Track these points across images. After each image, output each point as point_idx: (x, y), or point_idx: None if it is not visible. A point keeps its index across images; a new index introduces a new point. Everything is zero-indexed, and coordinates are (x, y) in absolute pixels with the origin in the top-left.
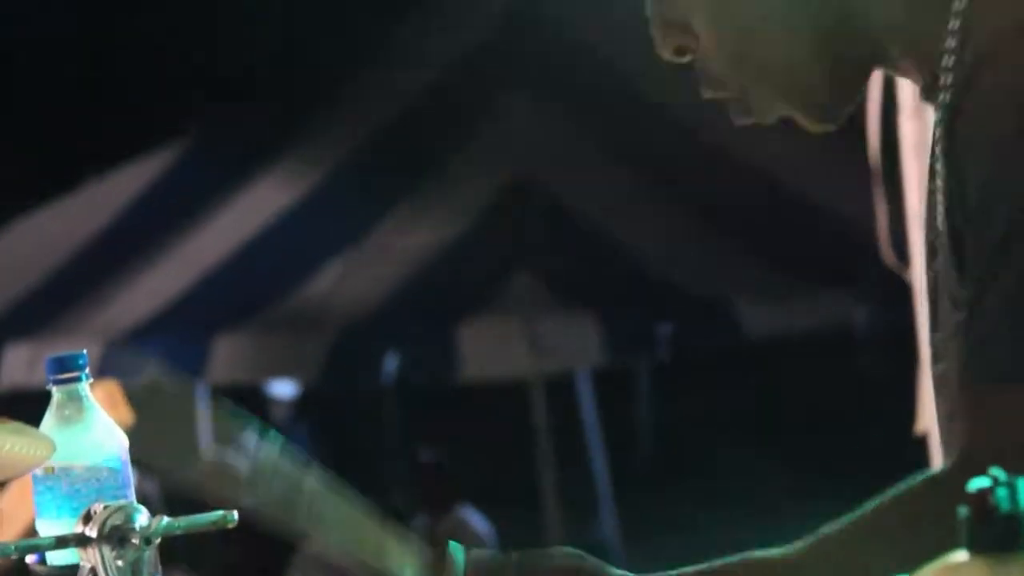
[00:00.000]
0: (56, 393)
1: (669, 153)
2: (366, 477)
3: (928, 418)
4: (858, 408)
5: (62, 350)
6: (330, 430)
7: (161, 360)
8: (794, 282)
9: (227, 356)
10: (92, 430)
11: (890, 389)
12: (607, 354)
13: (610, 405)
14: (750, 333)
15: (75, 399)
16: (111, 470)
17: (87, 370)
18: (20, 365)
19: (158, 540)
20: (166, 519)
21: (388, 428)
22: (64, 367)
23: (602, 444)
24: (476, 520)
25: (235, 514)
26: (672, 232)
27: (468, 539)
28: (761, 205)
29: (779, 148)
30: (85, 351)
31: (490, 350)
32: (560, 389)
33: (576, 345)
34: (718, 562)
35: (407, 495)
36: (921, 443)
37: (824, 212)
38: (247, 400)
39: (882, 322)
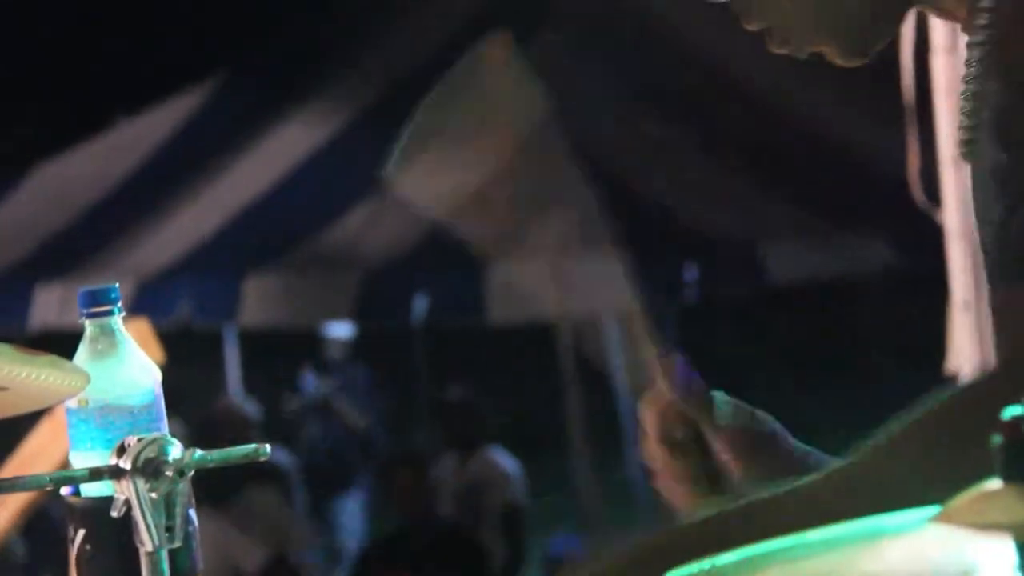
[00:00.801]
0: (89, 327)
1: (697, 95)
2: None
3: (958, 357)
4: (887, 350)
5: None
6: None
7: (191, 301)
8: (823, 225)
9: (257, 297)
10: (125, 364)
11: (920, 331)
12: (634, 297)
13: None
14: (778, 276)
15: (108, 333)
16: (144, 403)
17: (119, 304)
18: (51, 305)
19: (191, 472)
20: (199, 452)
21: (416, 368)
22: (97, 300)
23: (628, 386)
24: (504, 460)
25: (267, 448)
26: (700, 175)
27: (496, 479)
28: (790, 147)
29: (809, 89)
30: (117, 285)
31: (518, 292)
32: (587, 331)
33: (603, 288)
34: (757, 496)
35: (435, 435)
36: (952, 383)
37: (854, 153)
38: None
39: (912, 264)
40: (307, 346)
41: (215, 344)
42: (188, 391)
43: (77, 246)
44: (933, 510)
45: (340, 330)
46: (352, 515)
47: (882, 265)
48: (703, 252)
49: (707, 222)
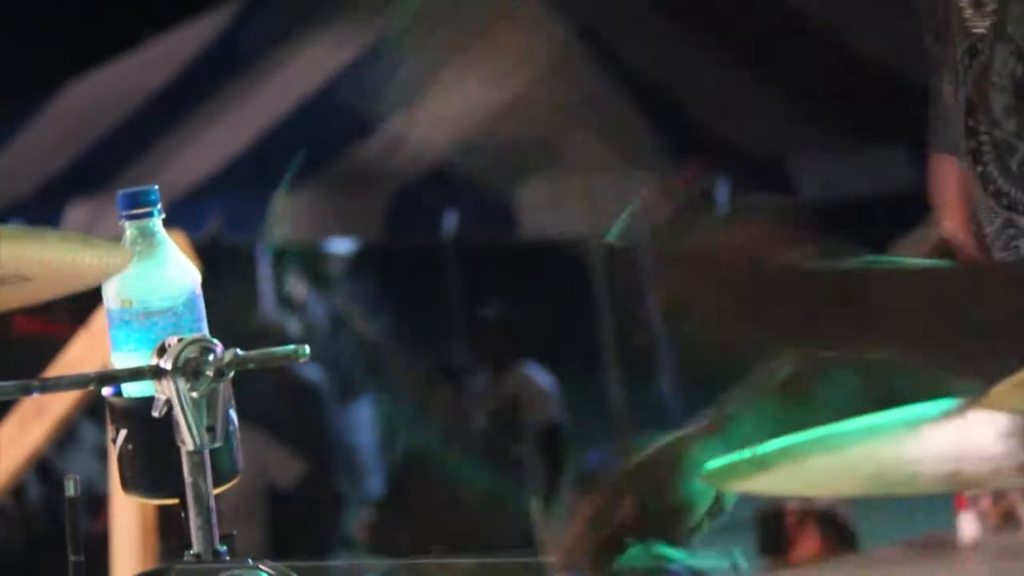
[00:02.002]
0: (129, 228)
1: (725, 8)
2: (428, 334)
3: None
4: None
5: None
6: (392, 287)
7: (221, 217)
8: (853, 139)
9: (289, 214)
10: (165, 265)
11: None
12: (664, 212)
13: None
14: (808, 191)
15: (147, 235)
16: (185, 304)
17: (159, 206)
18: (82, 222)
19: (232, 373)
20: (240, 352)
21: (448, 285)
22: (136, 202)
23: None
24: (539, 376)
25: (306, 348)
26: (728, 88)
27: (532, 395)
28: (821, 60)
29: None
30: (156, 187)
31: (549, 207)
32: (619, 247)
33: (632, 203)
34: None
35: (470, 351)
36: None
37: (884, 65)
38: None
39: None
40: (332, 261)
41: (245, 260)
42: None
43: (107, 163)
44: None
45: (359, 245)
46: (374, 431)
47: (911, 178)
48: (733, 166)
49: (737, 136)
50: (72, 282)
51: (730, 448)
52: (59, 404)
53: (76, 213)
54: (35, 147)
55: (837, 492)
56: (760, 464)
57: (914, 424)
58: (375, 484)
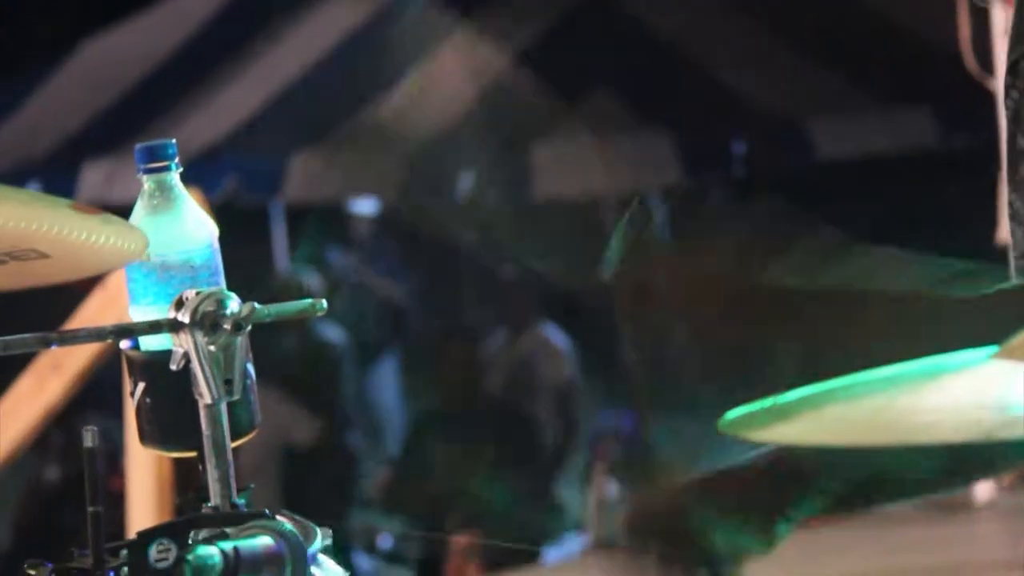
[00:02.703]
0: (146, 182)
1: None
2: (446, 294)
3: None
4: (937, 224)
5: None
6: (408, 248)
7: (237, 177)
8: (872, 98)
9: (303, 174)
10: (182, 219)
11: (970, 204)
12: (680, 173)
13: (683, 223)
14: (826, 150)
15: (165, 188)
16: (203, 258)
17: (176, 160)
18: (98, 182)
19: (249, 327)
20: (257, 306)
21: (464, 246)
22: (154, 156)
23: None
24: (556, 336)
25: (324, 303)
26: (748, 49)
27: (549, 355)
28: (838, 19)
29: None
30: (174, 140)
31: (564, 169)
32: (634, 206)
33: (650, 163)
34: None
35: (487, 312)
36: (1002, 254)
37: (902, 25)
38: (330, 217)
39: (963, 135)
40: (348, 221)
41: (261, 220)
42: (235, 267)
43: (123, 122)
44: (993, 348)
45: (378, 206)
46: (391, 391)
47: (933, 137)
48: (751, 126)
49: (755, 96)
50: (89, 264)
51: None
52: (75, 360)
53: (92, 173)
54: (51, 107)
55: (856, 441)
56: (779, 413)
57: (935, 374)
58: (392, 444)
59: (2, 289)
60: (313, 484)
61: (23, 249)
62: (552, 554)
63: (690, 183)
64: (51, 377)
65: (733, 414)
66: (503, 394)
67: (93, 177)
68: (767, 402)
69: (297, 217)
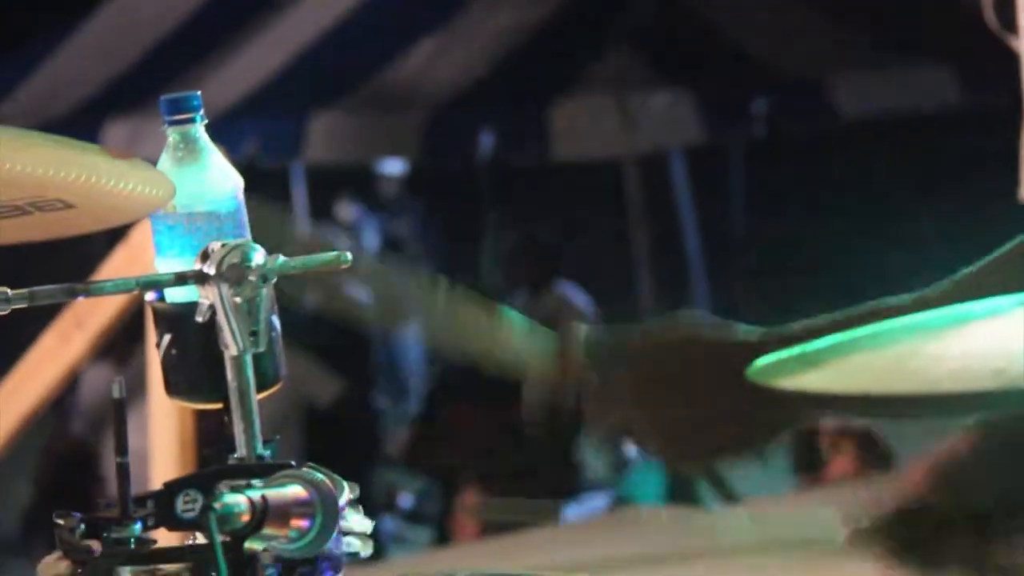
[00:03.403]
0: (171, 134)
1: None
2: (464, 255)
3: None
4: (959, 183)
5: (159, 128)
6: (428, 209)
7: (257, 139)
8: (892, 56)
9: (322, 134)
10: (207, 171)
11: (993, 163)
12: (701, 132)
13: (704, 183)
14: (847, 109)
15: (190, 140)
16: (228, 210)
17: (201, 111)
18: (119, 142)
19: (274, 279)
20: (282, 258)
21: (483, 206)
22: (179, 108)
23: (695, 221)
24: (575, 295)
25: (348, 255)
26: (769, 7)
27: (568, 314)
28: None
29: None
30: (199, 92)
31: (584, 128)
32: (654, 167)
33: (670, 122)
34: (848, 311)
35: (505, 272)
36: None
37: None
38: (353, 178)
39: (985, 94)
40: (370, 183)
41: (281, 181)
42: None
43: (144, 83)
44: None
45: (399, 167)
46: (414, 351)
47: (954, 96)
48: (771, 85)
49: (775, 54)
50: (115, 214)
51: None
52: (98, 316)
53: (114, 133)
54: (72, 67)
55: (884, 388)
56: (807, 361)
57: (962, 321)
58: (414, 404)
59: (26, 241)
60: (335, 443)
61: (48, 199)
62: (572, 513)
63: (711, 142)
64: (74, 334)
65: (762, 362)
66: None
67: (114, 137)
68: (795, 350)
69: (318, 178)
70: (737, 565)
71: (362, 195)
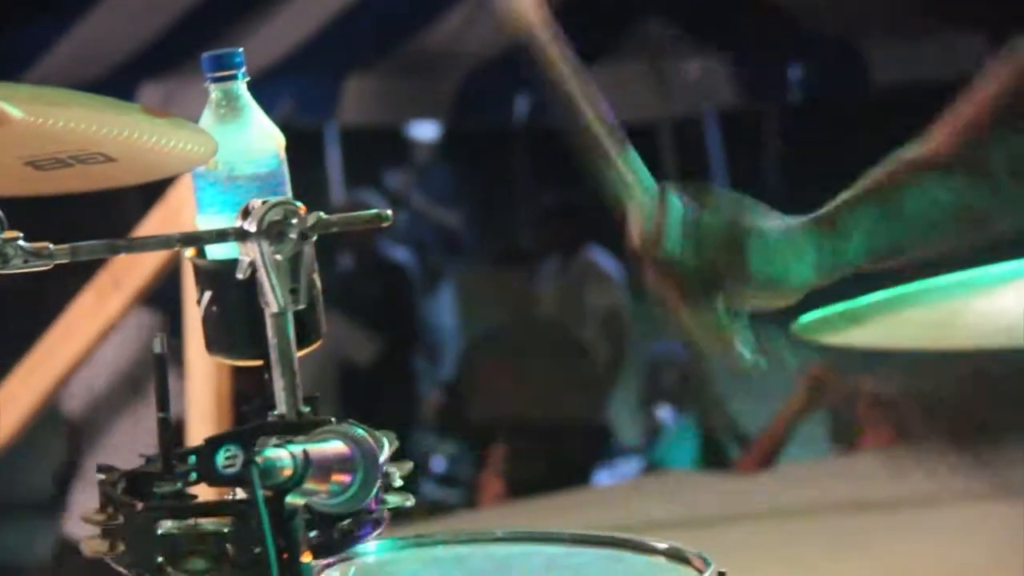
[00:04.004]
0: (213, 91)
1: None
2: (496, 218)
3: None
4: None
5: (195, 90)
6: (462, 172)
7: (292, 100)
8: (930, 24)
9: (358, 96)
10: (249, 128)
11: None
12: (736, 96)
13: (738, 148)
14: (883, 76)
15: (232, 97)
16: (270, 167)
17: (243, 69)
18: (154, 104)
19: (315, 237)
20: (323, 215)
21: (517, 170)
22: (221, 64)
23: (729, 187)
24: (605, 260)
25: (389, 213)
26: None
27: (597, 279)
28: None
29: None
30: (241, 49)
31: (619, 92)
32: (688, 131)
33: (705, 88)
34: (867, 178)
35: (537, 236)
36: None
37: None
38: (386, 141)
39: None
40: (403, 145)
41: (316, 142)
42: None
43: (177, 45)
44: None
45: (433, 130)
46: (447, 314)
47: (987, 62)
48: (807, 50)
49: (812, 19)
50: (156, 168)
51: (825, 250)
52: (136, 276)
53: (148, 96)
54: (105, 29)
55: (930, 344)
56: (853, 317)
57: (1011, 278)
58: (447, 368)
59: (67, 192)
60: (372, 404)
61: (91, 152)
62: (604, 477)
63: (746, 108)
64: (111, 294)
65: (807, 318)
66: (554, 318)
67: (150, 99)
68: (841, 306)
69: (352, 140)
70: (772, 528)
71: (396, 158)
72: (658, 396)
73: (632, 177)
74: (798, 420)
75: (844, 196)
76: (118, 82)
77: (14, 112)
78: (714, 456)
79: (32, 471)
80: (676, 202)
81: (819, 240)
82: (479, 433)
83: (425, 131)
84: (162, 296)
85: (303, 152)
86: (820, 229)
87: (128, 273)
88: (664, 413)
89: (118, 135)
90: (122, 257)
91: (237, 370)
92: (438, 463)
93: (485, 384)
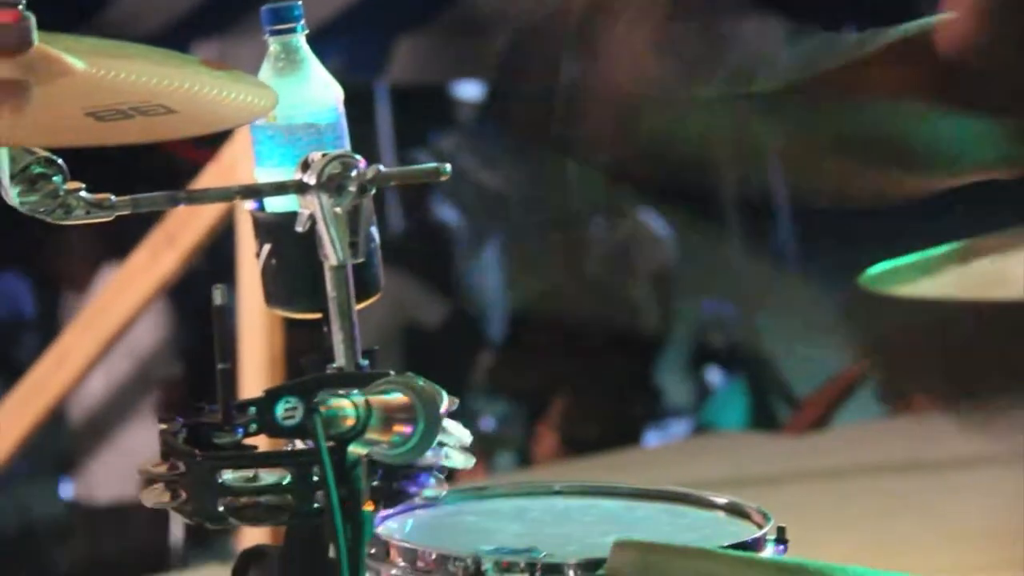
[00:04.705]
0: (272, 44)
1: None
2: (542, 180)
3: None
4: None
5: (246, 49)
6: (511, 132)
7: (342, 61)
8: None
9: (407, 56)
10: (308, 81)
11: None
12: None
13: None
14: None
15: (291, 51)
16: (328, 121)
17: (302, 22)
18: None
19: (374, 190)
20: (382, 168)
21: (563, 130)
22: (280, 17)
23: None
24: (655, 222)
25: (447, 166)
26: None
27: (647, 242)
28: None
29: None
30: (300, 2)
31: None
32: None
33: (758, 48)
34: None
35: (585, 198)
36: None
37: None
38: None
39: None
40: (449, 105)
41: (366, 101)
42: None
43: (230, 3)
44: None
45: (478, 90)
46: (495, 276)
47: None
48: (862, 12)
49: None
50: (216, 120)
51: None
52: (190, 233)
53: (204, 51)
54: None
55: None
56: (924, 268)
57: None
58: (496, 329)
59: (129, 142)
60: (430, 364)
61: (151, 104)
62: (653, 438)
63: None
64: (165, 251)
65: (876, 269)
66: (603, 280)
67: (205, 56)
68: (911, 256)
69: (402, 100)
70: (824, 488)
71: (444, 119)
72: (707, 358)
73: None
74: (860, 382)
75: None
76: (170, 41)
77: (76, 63)
78: (764, 418)
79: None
80: None
81: None
82: (527, 395)
83: (470, 91)
84: None
85: (353, 111)
86: None
87: (182, 229)
88: (713, 374)
89: (179, 87)
90: (176, 214)
91: (290, 327)
92: (487, 423)
93: (534, 346)
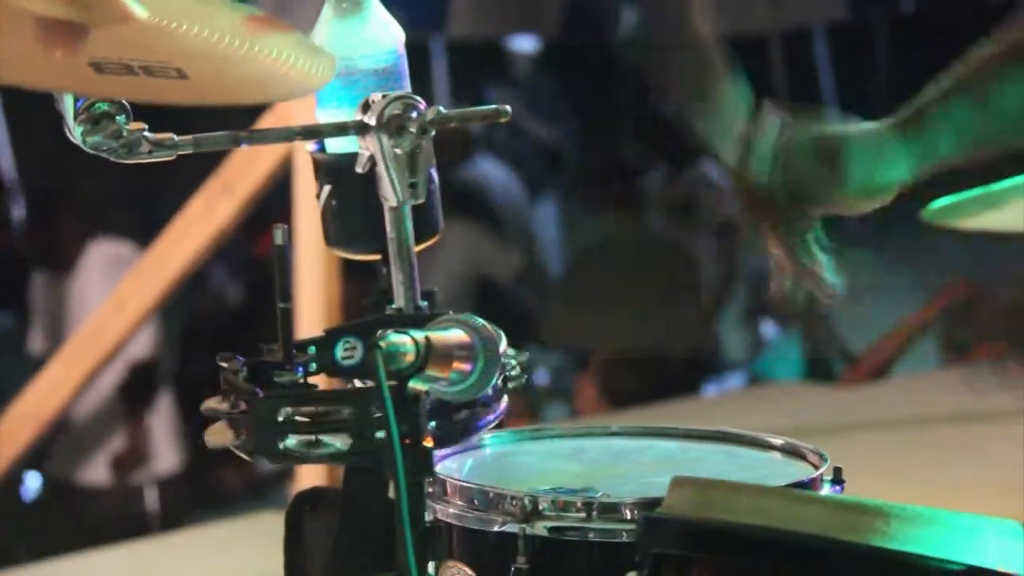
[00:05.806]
0: None
1: None
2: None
3: None
4: None
5: (300, 10)
6: (570, 84)
7: (400, 16)
8: None
9: (466, 9)
10: (369, 23)
11: None
12: (846, 9)
13: (847, 60)
14: None
15: None
16: (389, 62)
17: None
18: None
19: (434, 131)
20: (442, 109)
21: (625, 82)
22: None
23: (838, 100)
24: (716, 173)
25: (508, 108)
26: None
27: (707, 192)
28: None
29: None
30: None
31: (728, 4)
32: (798, 44)
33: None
34: (953, 75)
35: (646, 148)
36: None
37: None
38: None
39: None
40: (507, 59)
41: (422, 55)
42: None
43: None
44: None
45: (537, 43)
46: (552, 228)
47: None
48: None
49: None
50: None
51: (914, 148)
52: (246, 182)
53: (261, 5)
54: None
55: None
56: (988, 202)
57: None
58: (552, 282)
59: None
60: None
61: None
62: (711, 390)
63: (856, 19)
64: (221, 199)
65: (939, 203)
66: (663, 231)
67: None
68: (976, 190)
69: (458, 54)
70: (881, 438)
71: (499, 73)
72: (762, 311)
73: (731, 100)
74: (921, 334)
75: (929, 94)
76: None
77: (139, 11)
78: (819, 372)
79: None
80: (772, 122)
81: (908, 139)
82: (583, 347)
83: (526, 45)
84: None
85: (409, 64)
86: (908, 128)
87: (239, 178)
88: (767, 328)
89: (214, 51)
90: (233, 162)
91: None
92: (541, 376)
93: (590, 299)
